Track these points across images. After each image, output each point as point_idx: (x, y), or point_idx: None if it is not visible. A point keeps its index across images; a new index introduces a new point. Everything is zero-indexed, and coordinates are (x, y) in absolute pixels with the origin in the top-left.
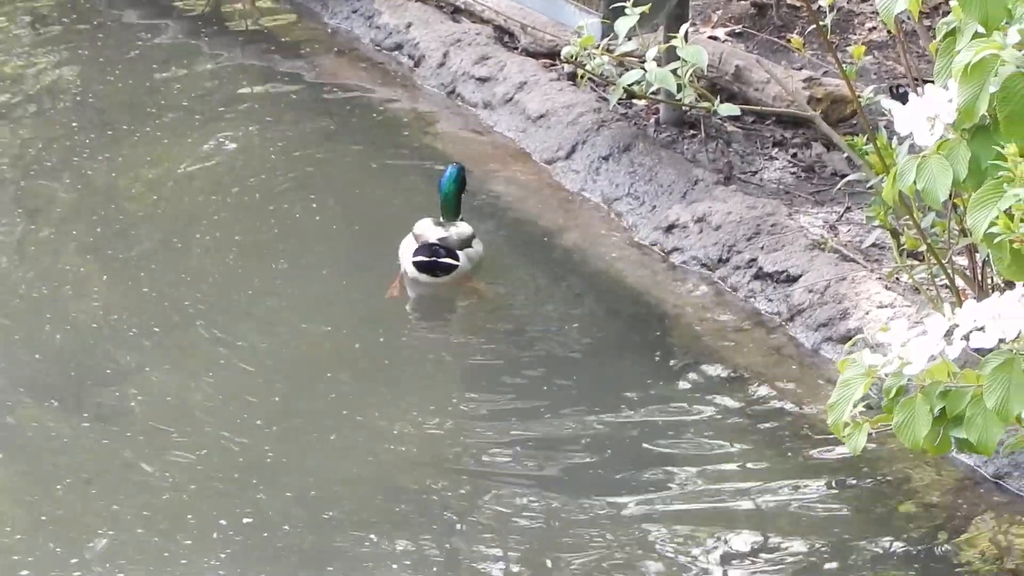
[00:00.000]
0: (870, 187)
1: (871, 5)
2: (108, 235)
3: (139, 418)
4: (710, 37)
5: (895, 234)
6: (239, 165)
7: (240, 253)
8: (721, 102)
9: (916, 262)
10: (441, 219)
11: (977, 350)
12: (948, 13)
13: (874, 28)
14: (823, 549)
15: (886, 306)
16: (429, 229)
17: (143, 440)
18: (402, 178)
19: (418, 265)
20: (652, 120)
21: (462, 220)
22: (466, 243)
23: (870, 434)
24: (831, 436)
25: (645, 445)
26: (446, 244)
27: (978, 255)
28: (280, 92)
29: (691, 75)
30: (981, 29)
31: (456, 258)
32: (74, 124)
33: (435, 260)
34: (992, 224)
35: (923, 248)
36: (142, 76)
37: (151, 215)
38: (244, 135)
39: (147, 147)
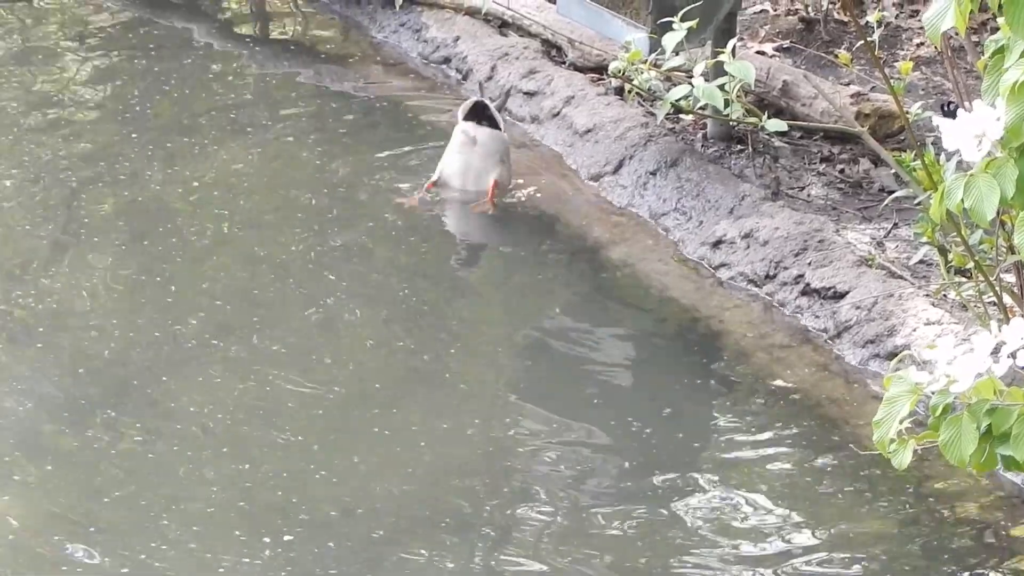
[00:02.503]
0: (918, 203)
1: (919, 21)
2: (156, 246)
3: (184, 431)
4: (757, 52)
5: (943, 251)
6: (287, 176)
7: (286, 264)
8: (768, 117)
9: (964, 279)
10: None
11: None
12: (996, 30)
13: (922, 44)
14: (869, 566)
15: (933, 323)
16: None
17: (190, 455)
18: (445, 203)
19: (471, 109)
20: (699, 135)
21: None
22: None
23: (916, 451)
24: (877, 452)
25: (691, 460)
26: (494, 109)
27: None
28: (328, 105)
29: (738, 90)
30: None
31: (498, 127)
32: (133, 136)
33: (485, 108)
34: None
35: (970, 265)
36: (191, 89)
37: (198, 225)
38: (292, 148)
39: (195, 159)
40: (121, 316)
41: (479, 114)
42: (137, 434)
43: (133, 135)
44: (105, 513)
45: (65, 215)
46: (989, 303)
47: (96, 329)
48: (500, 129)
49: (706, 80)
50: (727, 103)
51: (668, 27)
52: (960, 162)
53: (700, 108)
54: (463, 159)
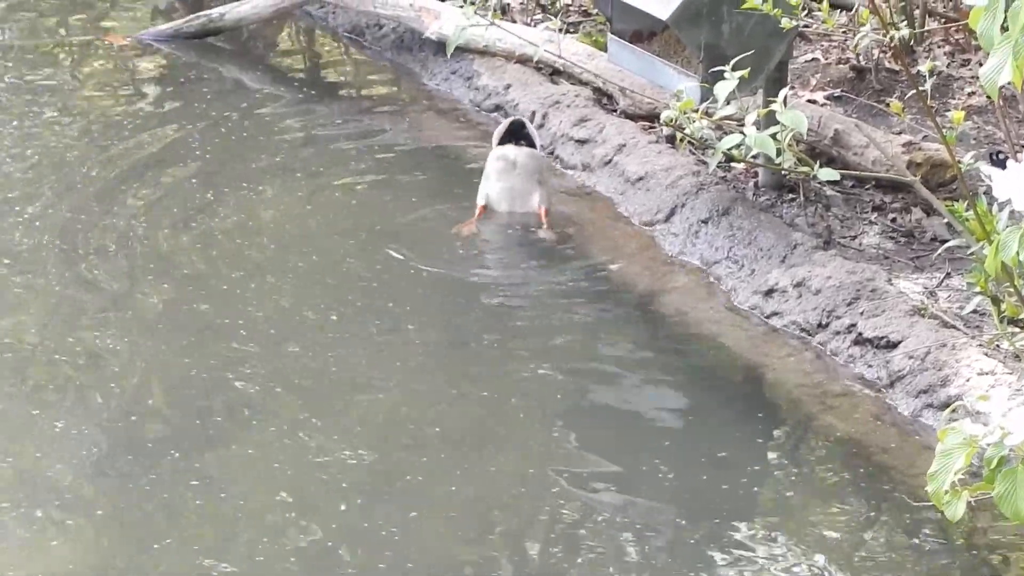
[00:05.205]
0: (970, 253)
1: (970, 70)
2: (209, 290)
3: (232, 480)
4: (808, 101)
5: (995, 301)
6: (336, 221)
7: (334, 307)
8: (820, 166)
9: (1017, 329)
10: None
11: None
12: None
13: (974, 93)
14: None
15: (987, 373)
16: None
17: (240, 503)
18: (500, 237)
19: (507, 131)
20: (751, 183)
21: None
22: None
23: (969, 503)
24: (931, 504)
25: (741, 509)
26: (530, 128)
27: None
28: (379, 152)
29: (790, 139)
30: None
31: (535, 146)
32: (192, 180)
33: (522, 127)
34: None
35: None
36: (244, 133)
37: (249, 269)
38: (342, 193)
39: (248, 203)
40: (170, 361)
41: (516, 134)
42: (185, 483)
43: (193, 179)
44: (153, 562)
45: (117, 258)
46: None
47: (145, 374)
48: (536, 147)
49: (758, 129)
50: (779, 152)
51: (719, 76)
52: (1013, 212)
53: (752, 157)
54: (506, 184)
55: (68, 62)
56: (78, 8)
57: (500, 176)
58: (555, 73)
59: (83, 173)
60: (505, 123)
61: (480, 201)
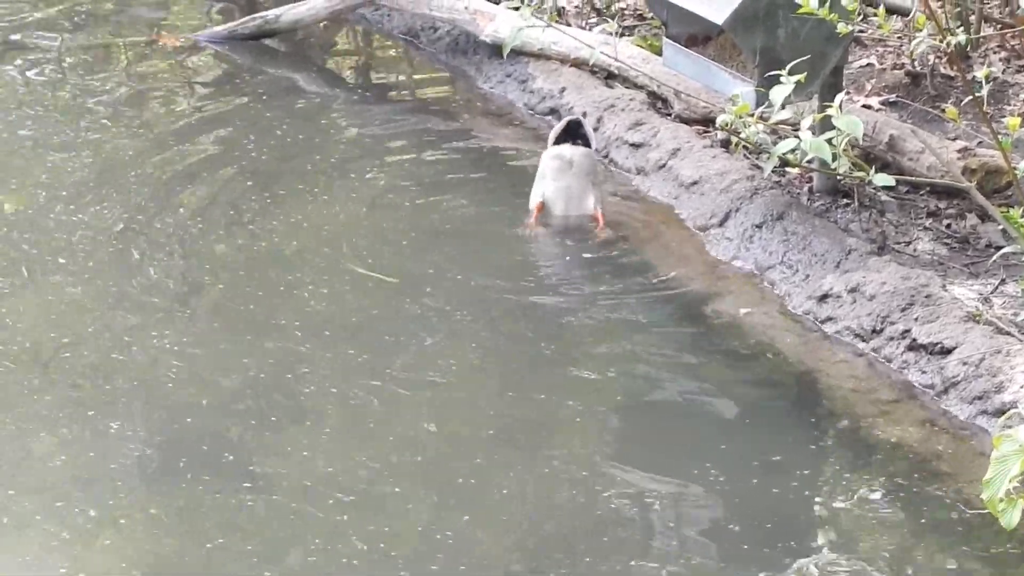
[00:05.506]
0: None
1: None
2: (266, 291)
3: (293, 481)
4: (863, 106)
5: None
6: (390, 223)
7: (390, 309)
8: (875, 171)
9: None
10: None
11: None
12: None
13: None
14: None
15: None
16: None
17: (293, 506)
18: (555, 239)
19: (563, 130)
20: (805, 188)
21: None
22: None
23: None
24: (985, 511)
25: (794, 514)
26: (587, 128)
27: None
28: (432, 153)
29: (846, 144)
30: None
31: (590, 146)
32: (247, 182)
33: (579, 126)
34: None
35: None
36: (300, 135)
37: (304, 271)
38: (396, 194)
39: (304, 205)
40: (226, 361)
41: (572, 133)
42: (239, 484)
43: (248, 181)
44: (206, 563)
45: (173, 258)
46: None
47: (201, 374)
48: (592, 147)
49: (813, 134)
50: (834, 157)
51: (775, 80)
52: None
53: (807, 161)
54: (562, 184)
55: (123, 63)
56: (133, 10)
57: (556, 175)
58: (610, 77)
59: (138, 174)
60: (562, 122)
61: (535, 199)
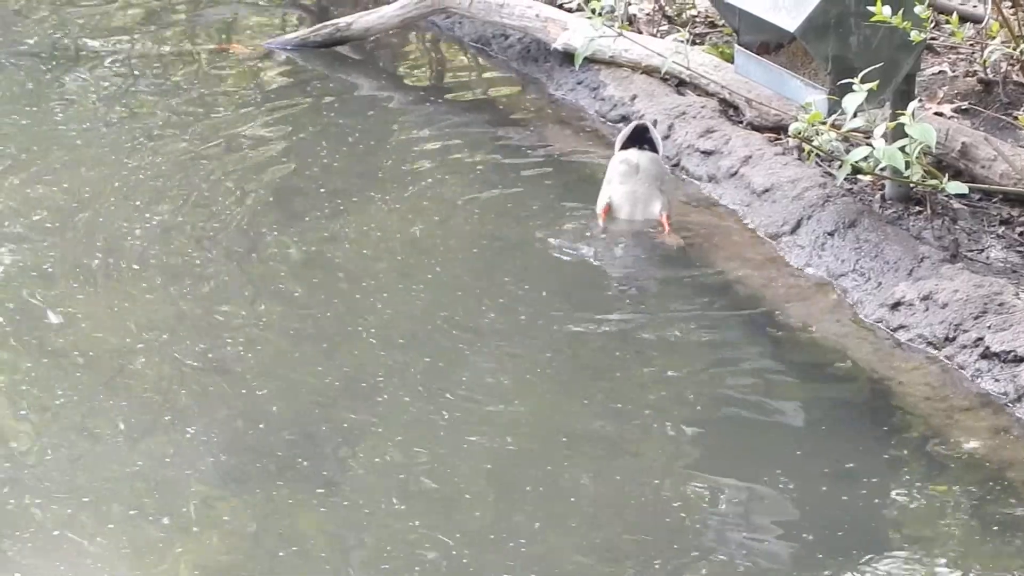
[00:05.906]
0: None
1: None
2: (340, 297)
3: (364, 488)
4: (935, 113)
5: None
6: (461, 230)
7: (458, 314)
8: (948, 179)
9: None
10: None
11: None
12: None
13: None
14: None
15: None
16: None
17: (368, 512)
18: (623, 245)
19: (631, 135)
20: (877, 196)
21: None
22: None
23: None
24: None
25: (868, 522)
26: (654, 133)
27: None
28: (503, 161)
29: (918, 152)
30: None
31: (657, 151)
32: (320, 189)
33: (646, 131)
34: None
35: None
36: (371, 142)
37: (375, 277)
38: (468, 202)
39: (375, 212)
40: (300, 368)
41: (639, 138)
42: (311, 490)
43: (321, 188)
44: (277, 570)
45: (246, 265)
46: None
47: (275, 381)
48: (659, 152)
49: (886, 141)
50: (907, 165)
51: (847, 88)
52: None
53: (879, 169)
54: (628, 188)
55: (195, 70)
56: (206, 15)
57: (623, 180)
58: (681, 84)
59: (211, 181)
60: (629, 127)
61: (602, 203)
